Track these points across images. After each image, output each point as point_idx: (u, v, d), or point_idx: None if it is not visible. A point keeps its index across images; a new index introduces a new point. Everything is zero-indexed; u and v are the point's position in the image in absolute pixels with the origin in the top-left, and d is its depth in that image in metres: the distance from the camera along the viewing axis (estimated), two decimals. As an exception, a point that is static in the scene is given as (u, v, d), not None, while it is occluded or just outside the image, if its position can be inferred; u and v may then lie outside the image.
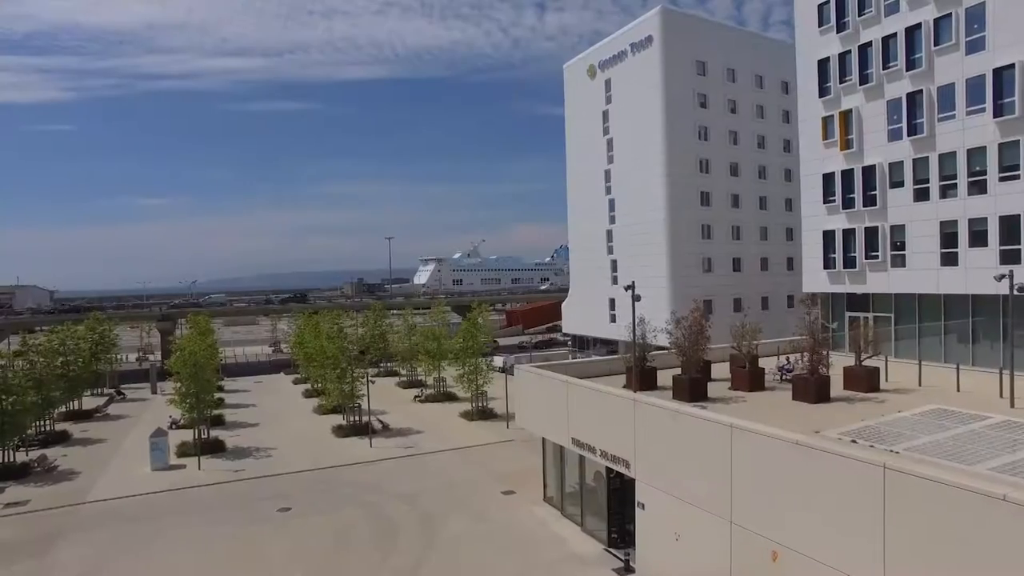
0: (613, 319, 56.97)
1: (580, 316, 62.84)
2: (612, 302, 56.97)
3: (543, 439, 28.70)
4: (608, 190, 56.81)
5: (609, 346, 61.38)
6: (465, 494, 29.88)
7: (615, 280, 56.53)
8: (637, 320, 29.70)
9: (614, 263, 56.39)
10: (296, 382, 66.42)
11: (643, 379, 26.66)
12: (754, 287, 54.64)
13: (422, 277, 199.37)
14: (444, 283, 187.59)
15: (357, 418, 43.04)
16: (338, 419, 44.69)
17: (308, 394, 58.04)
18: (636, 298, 23.62)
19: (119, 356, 74.00)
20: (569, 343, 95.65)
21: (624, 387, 27.19)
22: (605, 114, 57.03)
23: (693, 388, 24.49)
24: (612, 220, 56.45)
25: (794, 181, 58.44)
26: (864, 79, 34.78)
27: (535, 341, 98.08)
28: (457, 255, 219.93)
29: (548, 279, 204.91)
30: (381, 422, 43.94)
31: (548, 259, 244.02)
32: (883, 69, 33.57)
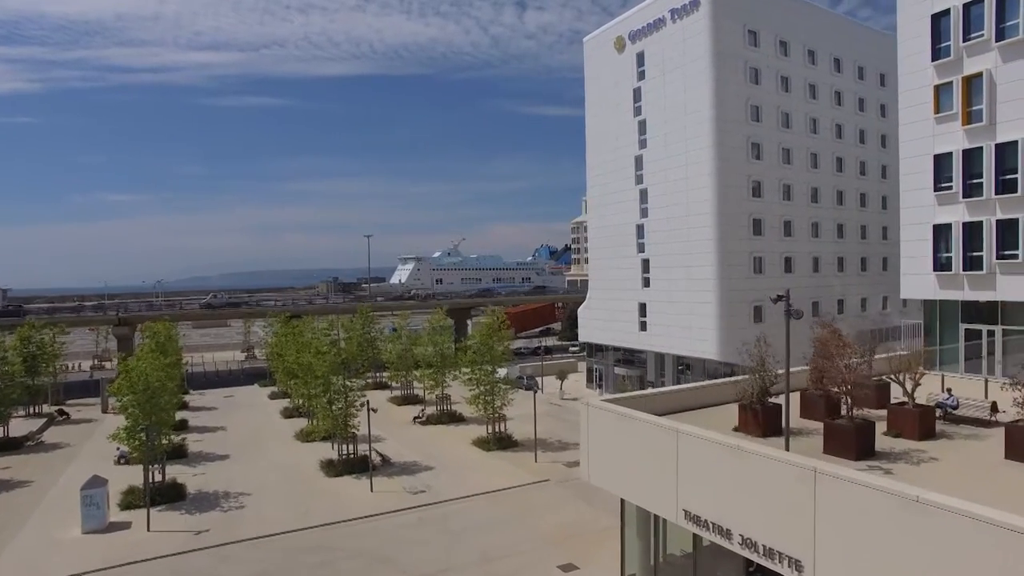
0: (643, 327, 49.60)
1: (600, 322, 55.31)
2: (642, 307, 49.59)
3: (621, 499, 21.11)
4: (639, 179, 49.35)
5: (627, 355, 54.16)
6: (511, 571, 22.16)
7: (646, 282, 49.19)
8: (749, 342, 22.20)
9: (645, 263, 48.94)
10: (273, 396, 58.02)
11: (767, 421, 19.43)
12: (806, 291, 47.70)
13: (402, 276, 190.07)
14: (424, 282, 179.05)
15: (351, 449, 34.98)
16: (326, 449, 36.73)
17: (288, 413, 49.77)
18: (797, 315, 16.18)
19: (67, 365, 64.66)
20: (572, 349, 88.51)
21: (735, 429, 19.99)
22: (636, 92, 49.63)
23: (860, 440, 17.10)
24: (644, 213, 48.94)
25: (845, 171, 51.88)
26: (1001, 34, 27.81)
27: (535, 347, 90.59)
28: (437, 254, 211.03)
29: (530, 279, 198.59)
30: (381, 455, 35.86)
31: (529, 259, 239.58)
32: (1033, 18, 26.64)
